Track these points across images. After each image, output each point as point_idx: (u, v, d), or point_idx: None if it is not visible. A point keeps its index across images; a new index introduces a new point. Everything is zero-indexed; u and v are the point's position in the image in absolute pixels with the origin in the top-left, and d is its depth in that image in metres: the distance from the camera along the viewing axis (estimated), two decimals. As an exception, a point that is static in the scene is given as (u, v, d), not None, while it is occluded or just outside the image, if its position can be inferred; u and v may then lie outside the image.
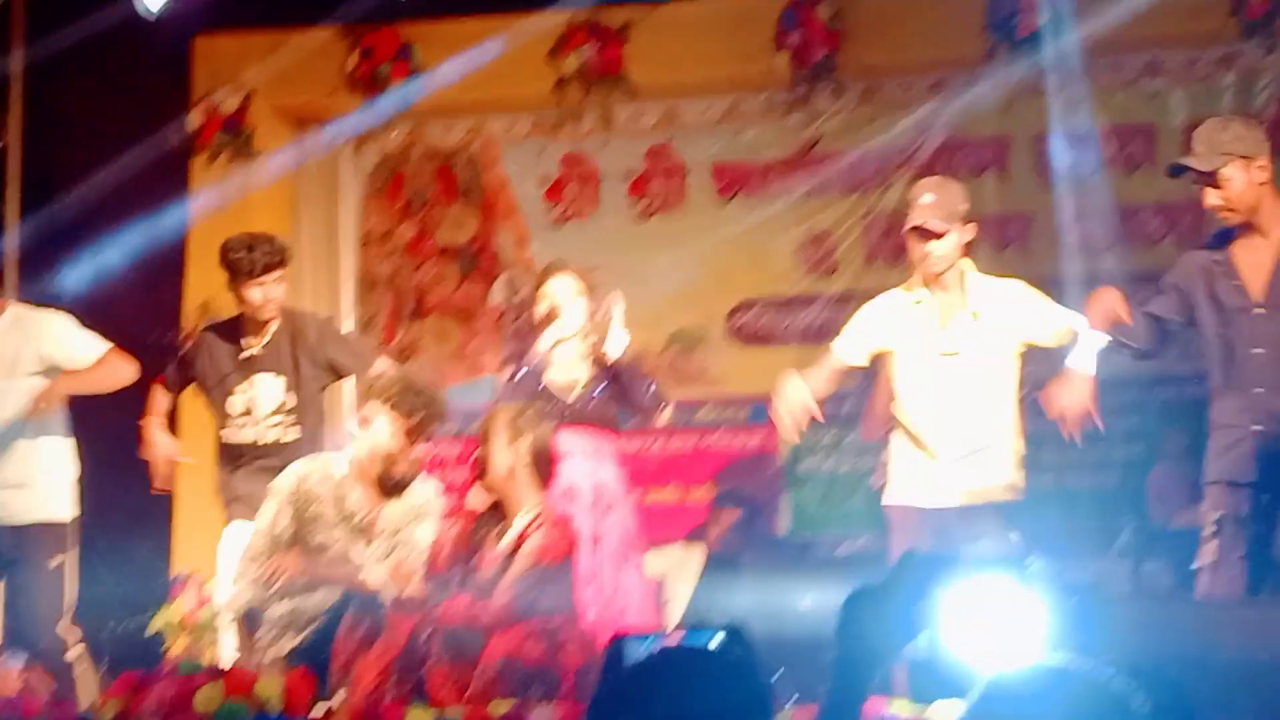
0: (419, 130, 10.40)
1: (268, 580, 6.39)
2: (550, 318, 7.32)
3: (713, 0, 9.54)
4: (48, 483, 7.31)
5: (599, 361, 7.34)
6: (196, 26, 9.94)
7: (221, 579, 7.53)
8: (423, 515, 6.63)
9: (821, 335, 9.63)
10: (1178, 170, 6.52)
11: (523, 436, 6.43)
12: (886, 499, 6.88)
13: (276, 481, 6.69)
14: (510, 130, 10.31)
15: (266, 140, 10.23)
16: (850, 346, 6.94)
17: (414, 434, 6.51)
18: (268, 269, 7.46)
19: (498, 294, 10.24)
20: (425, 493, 6.73)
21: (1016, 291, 6.83)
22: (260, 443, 7.50)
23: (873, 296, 7.05)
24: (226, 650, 7.20)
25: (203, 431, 8.00)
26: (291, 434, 7.49)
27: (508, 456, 6.42)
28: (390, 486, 6.58)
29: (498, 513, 6.53)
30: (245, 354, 7.57)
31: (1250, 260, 6.42)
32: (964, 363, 6.70)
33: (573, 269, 7.48)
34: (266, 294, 7.50)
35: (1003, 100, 9.59)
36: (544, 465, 6.48)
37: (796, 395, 6.77)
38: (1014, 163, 9.67)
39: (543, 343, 7.28)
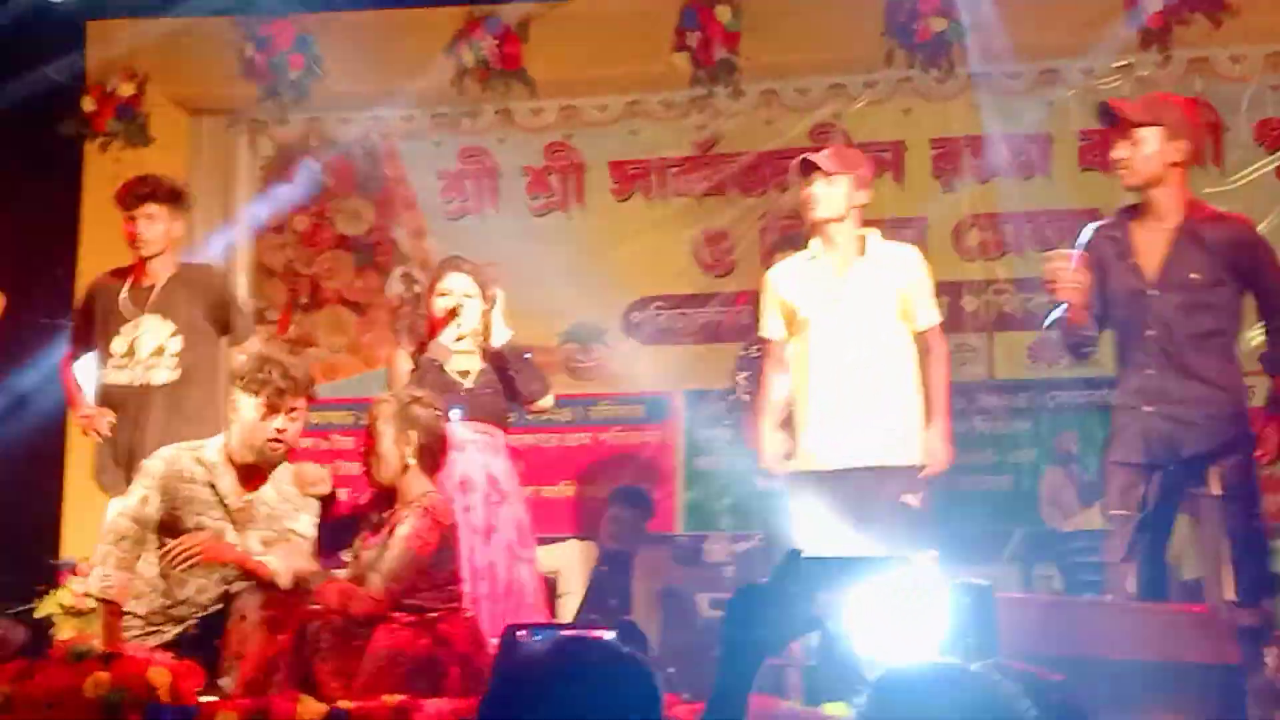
0: (316, 121, 10.33)
1: (177, 559, 6.27)
2: (453, 314, 7.30)
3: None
4: None
5: (485, 353, 7.35)
6: (91, 11, 9.85)
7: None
8: (303, 505, 6.56)
9: (718, 334, 9.69)
10: (1108, 112, 6.57)
11: (411, 428, 6.37)
12: (790, 465, 6.89)
13: (146, 462, 6.58)
14: (409, 123, 10.26)
15: (161, 127, 10.13)
16: (772, 323, 6.99)
17: (272, 407, 6.40)
18: (146, 199, 7.46)
19: (394, 286, 10.20)
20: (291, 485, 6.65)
21: (912, 262, 6.94)
22: (136, 384, 7.45)
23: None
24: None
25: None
26: (170, 375, 7.44)
27: (395, 450, 6.36)
28: (253, 468, 6.47)
29: (384, 501, 6.49)
30: (131, 295, 7.54)
31: (1146, 240, 6.48)
32: (859, 318, 6.73)
33: (467, 266, 7.46)
34: (148, 228, 7.49)
35: (900, 104, 9.64)
36: (431, 456, 6.42)
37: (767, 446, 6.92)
38: (910, 166, 9.70)
39: (445, 336, 7.26)
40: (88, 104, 10.03)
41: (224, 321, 7.64)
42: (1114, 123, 6.53)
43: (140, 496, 6.46)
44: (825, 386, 6.78)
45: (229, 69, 10.07)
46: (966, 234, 9.54)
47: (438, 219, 10.26)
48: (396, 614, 6.07)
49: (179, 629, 6.40)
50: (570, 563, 9.08)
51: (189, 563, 6.25)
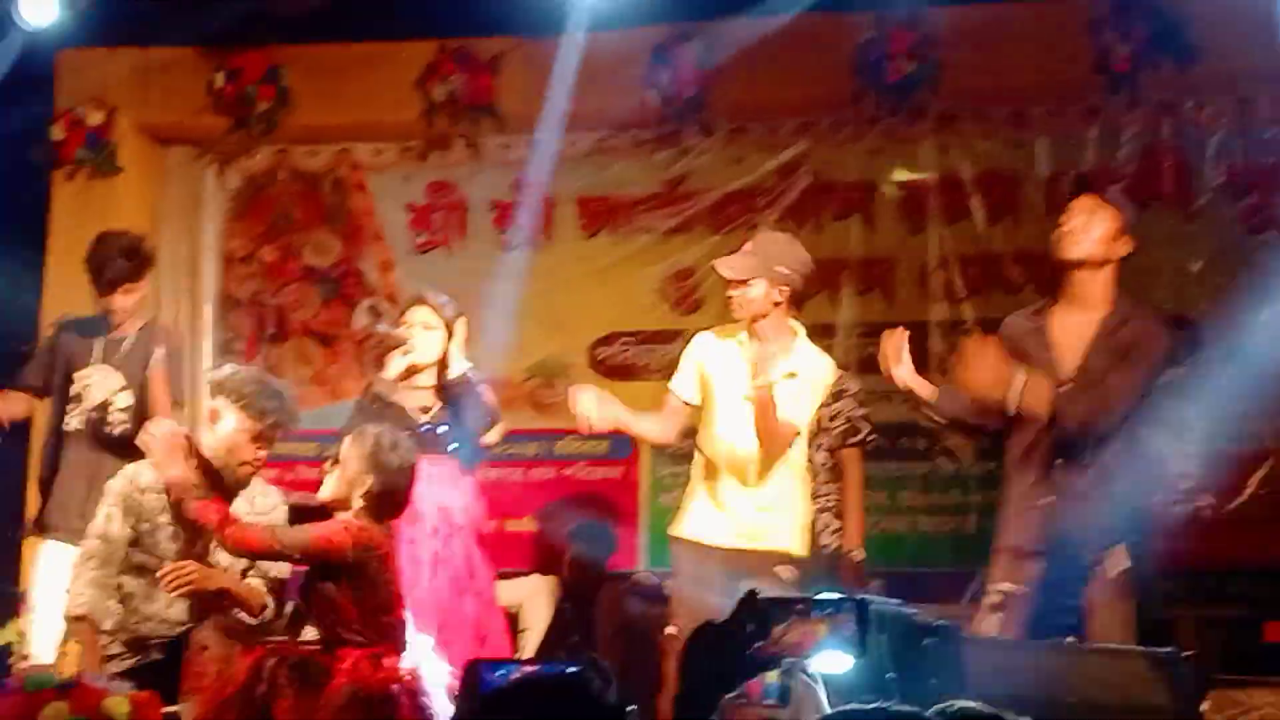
0: (285, 153, 10.34)
1: (171, 585, 6.24)
2: (404, 344, 7.31)
3: (583, 35, 9.51)
4: None
5: (440, 388, 7.35)
6: (62, 40, 9.83)
7: (38, 597, 7.46)
8: (276, 520, 6.54)
9: (683, 371, 9.68)
10: (1084, 182, 6.64)
11: (372, 473, 6.23)
12: (674, 529, 7.04)
13: (110, 483, 6.56)
14: (377, 156, 10.27)
15: (130, 157, 10.13)
16: (685, 382, 7.25)
17: (262, 436, 6.38)
18: (119, 283, 7.46)
19: (360, 319, 10.19)
20: (271, 499, 6.63)
21: (824, 374, 7.18)
22: (79, 429, 7.44)
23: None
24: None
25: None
26: (121, 430, 7.43)
27: (344, 487, 6.23)
28: (227, 486, 6.45)
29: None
30: (96, 350, 7.54)
31: (1067, 332, 6.50)
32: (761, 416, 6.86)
33: (430, 300, 7.47)
34: (123, 302, 7.49)
35: (869, 144, 9.67)
36: (379, 506, 6.28)
37: (587, 405, 7.18)
38: (878, 207, 9.73)
39: (390, 369, 7.26)
40: (56, 132, 10.01)
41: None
42: (1080, 191, 6.58)
43: (105, 514, 6.45)
44: (720, 467, 7.04)
45: (199, 99, 10.07)
46: (933, 275, 9.56)
47: (405, 252, 10.25)
48: (340, 650, 6.01)
49: (138, 657, 6.37)
50: (532, 597, 9.06)
51: (183, 590, 6.24)
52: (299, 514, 6.64)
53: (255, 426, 6.36)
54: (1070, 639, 7.21)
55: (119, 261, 7.53)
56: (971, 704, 3.33)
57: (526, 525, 9.80)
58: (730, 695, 3.40)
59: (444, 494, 7.23)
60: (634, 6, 9.30)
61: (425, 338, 7.33)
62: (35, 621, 7.56)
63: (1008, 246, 9.50)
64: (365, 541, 6.08)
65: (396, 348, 7.30)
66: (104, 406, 7.52)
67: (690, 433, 7.52)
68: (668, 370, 9.71)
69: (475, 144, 10.07)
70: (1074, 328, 6.52)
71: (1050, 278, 6.85)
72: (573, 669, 4.24)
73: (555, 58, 9.52)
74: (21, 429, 8.48)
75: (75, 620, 6.50)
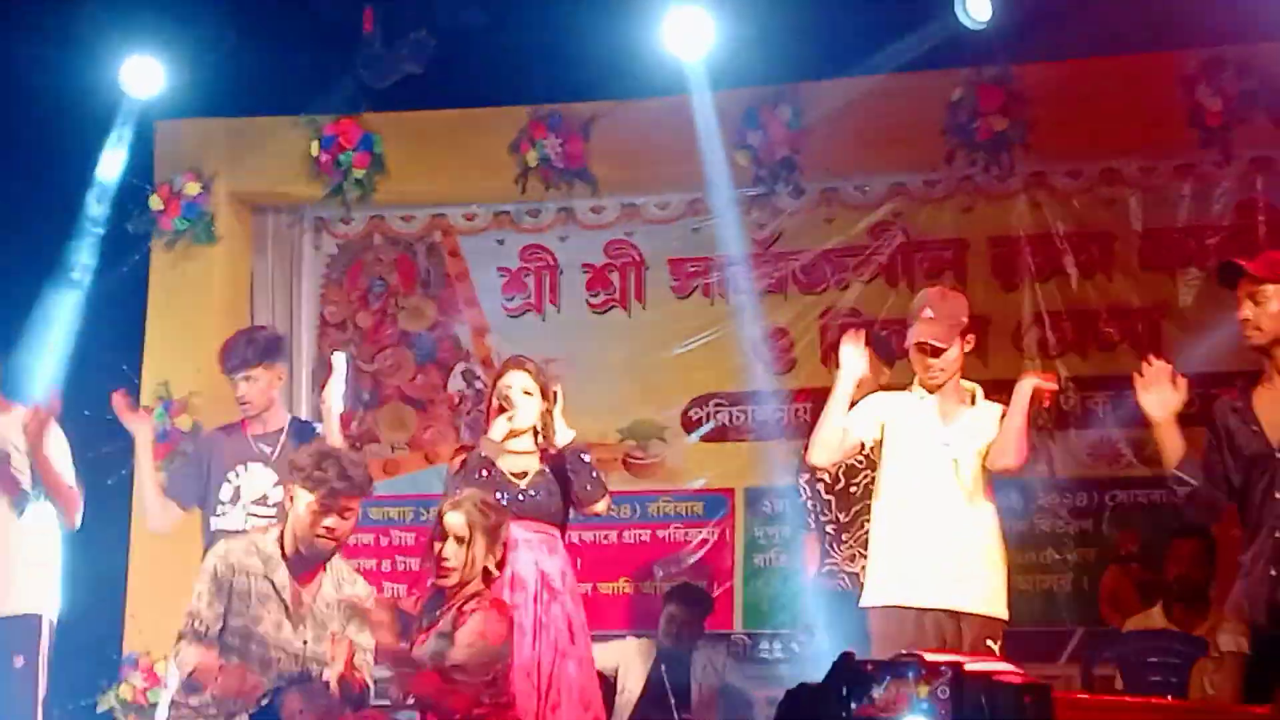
0: (380, 219, 10.43)
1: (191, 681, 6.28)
2: (501, 410, 7.33)
3: (675, 98, 9.57)
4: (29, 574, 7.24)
5: (545, 454, 7.36)
6: (160, 110, 9.97)
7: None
8: (363, 615, 6.56)
9: (776, 432, 9.69)
10: (1229, 269, 6.45)
11: (499, 542, 6.44)
12: (872, 599, 6.80)
13: (205, 561, 6.58)
14: (471, 221, 10.35)
15: (226, 225, 10.23)
16: (860, 422, 6.84)
17: (325, 507, 6.39)
18: (242, 366, 7.52)
19: (455, 383, 10.25)
20: (361, 590, 6.65)
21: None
22: (239, 529, 7.46)
23: (827, 393, 7.01)
24: None
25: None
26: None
27: (483, 559, 6.42)
28: (305, 563, 6.48)
29: (439, 600, 6.51)
30: (242, 444, 7.61)
31: (1271, 403, 6.37)
32: (958, 466, 6.67)
33: (529, 365, 7.48)
34: (249, 390, 7.55)
35: (961, 203, 9.66)
36: (497, 555, 6.49)
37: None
38: (971, 265, 9.71)
39: (495, 431, 7.28)
40: (155, 202, 10.13)
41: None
42: (1234, 280, 6.41)
43: (198, 594, 6.47)
44: (908, 519, 6.71)
45: (294, 167, 10.17)
46: (1027, 332, 9.52)
47: (499, 316, 10.30)
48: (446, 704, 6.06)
49: None
50: (628, 659, 9.05)
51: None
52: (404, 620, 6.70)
53: (314, 498, 6.38)
54: (1170, 696, 7.17)
55: (234, 351, 7.61)
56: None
57: (621, 587, 9.80)
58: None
59: (543, 559, 7.23)
60: (725, 69, 9.35)
61: (525, 402, 7.35)
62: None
63: (1102, 302, 9.46)
64: (509, 614, 6.27)
65: (501, 412, 7.31)
66: (262, 501, 7.58)
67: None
68: (760, 431, 9.76)
69: (568, 207, 10.14)
70: (1277, 401, 6.38)
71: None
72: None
73: (648, 121, 9.58)
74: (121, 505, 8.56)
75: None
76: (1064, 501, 9.39)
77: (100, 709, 9.03)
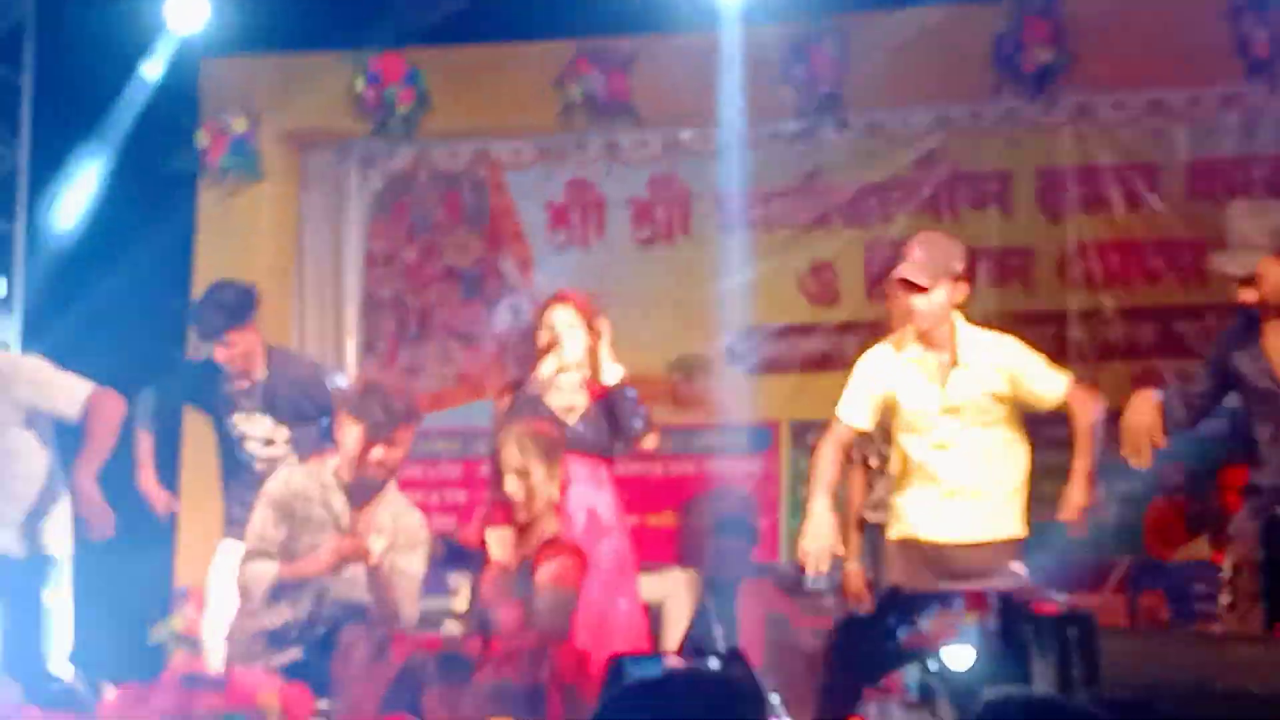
0: (425, 154, 10.44)
1: (332, 562, 6.38)
2: (551, 346, 7.35)
3: (718, 32, 9.56)
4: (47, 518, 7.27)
5: (593, 389, 7.38)
6: (206, 49, 9.99)
7: (212, 595, 7.59)
8: (413, 544, 6.63)
9: (823, 364, 9.70)
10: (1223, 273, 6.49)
11: (558, 464, 6.51)
12: (891, 533, 6.85)
13: (266, 486, 6.69)
14: (516, 156, 10.36)
15: (273, 163, 10.27)
16: (855, 410, 6.82)
17: (375, 438, 6.48)
18: (219, 332, 7.51)
19: (501, 318, 10.27)
20: (413, 520, 6.72)
21: (1010, 349, 6.76)
22: (254, 458, 7.54)
23: (874, 327, 7.03)
24: (217, 658, 7.22)
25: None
26: (287, 456, 7.53)
27: (547, 487, 6.49)
28: (361, 493, 6.56)
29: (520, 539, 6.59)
30: (233, 392, 7.63)
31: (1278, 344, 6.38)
32: (963, 417, 6.68)
33: (573, 300, 7.50)
34: (225, 355, 7.54)
35: (1006, 135, 9.64)
36: (557, 479, 6.56)
37: (820, 538, 6.64)
38: (1016, 197, 9.69)
39: (544, 369, 7.31)
40: (201, 140, 10.17)
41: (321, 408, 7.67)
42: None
43: (262, 517, 6.57)
44: (926, 474, 6.74)
45: (340, 104, 10.19)
46: (1072, 264, 9.51)
47: (544, 250, 10.32)
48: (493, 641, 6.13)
49: (293, 651, 6.48)
50: (675, 591, 9.09)
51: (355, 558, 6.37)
52: (453, 551, 6.77)
53: (360, 429, 6.47)
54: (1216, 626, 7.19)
55: (205, 318, 7.58)
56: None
57: (667, 520, 9.84)
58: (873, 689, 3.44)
59: (591, 495, 7.27)
60: (769, 3, 9.33)
61: (571, 337, 7.37)
62: (209, 616, 7.69)
63: (1148, 234, 9.44)
64: (583, 554, 6.34)
65: (550, 348, 7.33)
66: (270, 442, 7.62)
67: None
68: (805, 363, 9.77)
69: (612, 142, 10.14)
70: None
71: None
72: (715, 662, 4.29)
73: (691, 55, 9.57)
74: (172, 440, 8.61)
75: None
76: (1109, 432, 9.37)
77: (152, 641, 9.11)
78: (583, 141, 10.19)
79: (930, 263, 6.64)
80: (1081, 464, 6.71)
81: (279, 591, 6.49)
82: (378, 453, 6.48)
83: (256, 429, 7.61)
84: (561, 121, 9.98)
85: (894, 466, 6.91)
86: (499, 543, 6.59)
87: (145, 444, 7.74)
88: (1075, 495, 6.68)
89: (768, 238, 10.01)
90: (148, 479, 7.68)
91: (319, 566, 6.42)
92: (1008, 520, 6.72)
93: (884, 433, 7.56)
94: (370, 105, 10.12)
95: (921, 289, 6.59)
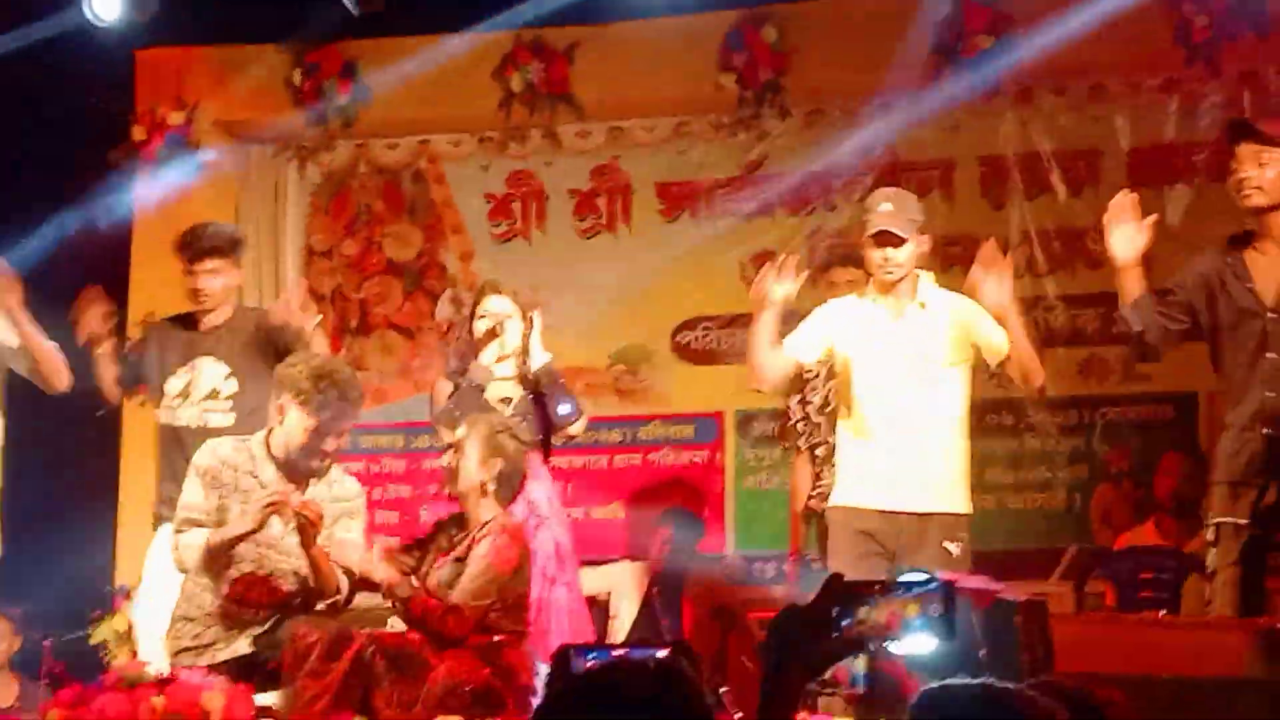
0: (364, 146, 10.39)
1: (261, 519, 6.28)
2: (492, 335, 7.31)
3: (659, 21, 9.54)
4: None
5: (523, 378, 7.36)
6: (140, 40, 9.91)
7: (148, 582, 7.51)
8: (351, 513, 6.56)
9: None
10: (1240, 126, 6.50)
11: (497, 455, 6.43)
12: (831, 500, 6.85)
13: (194, 457, 6.60)
14: (456, 147, 10.31)
15: (210, 155, 10.19)
16: (802, 342, 6.88)
17: (321, 432, 6.38)
18: (206, 255, 7.45)
19: (443, 310, 10.23)
20: (351, 488, 6.65)
21: (965, 301, 6.78)
22: (193, 425, 7.44)
23: (817, 316, 7.01)
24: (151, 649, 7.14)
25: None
26: (225, 420, 7.43)
27: (479, 473, 6.42)
28: (297, 473, 6.48)
29: (456, 524, 6.54)
30: (190, 340, 7.55)
31: (1265, 266, 6.41)
32: (914, 360, 6.68)
33: (506, 288, 7.48)
34: (209, 283, 7.47)
35: (948, 122, 9.63)
36: (509, 486, 6.50)
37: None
38: (959, 184, 9.69)
39: (485, 357, 7.27)
40: (138, 133, 10.09)
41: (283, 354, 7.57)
42: (1240, 139, 6.43)
43: (190, 486, 6.49)
44: (872, 428, 6.72)
45: (277, 96, 10.13)
46: (1014, 251, 9.50)
47: (485, 242, 10.28)
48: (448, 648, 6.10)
49: (230, 649, 6.40)
50: (621, 584, 9.07)
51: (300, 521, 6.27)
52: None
53: (313, 422, 6.36)
54: (1162, 613, 7.20)
55: (201, 238, 7.54)
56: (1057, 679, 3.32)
57: (613, 512, 9.81)
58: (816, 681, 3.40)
59: (530, 486, 7.24)
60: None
61: (511, 326, 7.34)
62: (144, 610, 7.62)
63: (1090, 220, 9.43)
64: (524, 541, 6.30)
65: (492, 337, 7.30)
66: (214, 395, 7.53)
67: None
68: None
69: (553, 132, 10.10)
70: (1272, 261, 6.40)
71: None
72: (662, 653, 4.25)
73: (631, 44, 9.54)
74: (111, 435, 8.54)
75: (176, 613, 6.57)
76: (1054, 419, 9.39)
77: (93, 640, 9.04)
78: (523, 133, 10.14)
79: (903, 215, 6.71)
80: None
81: (211, 560, 6.39)
82: (328, 445, 6.41)
83: (202, 381, 7.50)
84: (501, 113, 9.94)
85: (840, 430, 6.88)
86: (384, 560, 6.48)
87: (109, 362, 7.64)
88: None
89: (710, 227, 9.98)
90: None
91: (247, 526, 6.29)
92: (953, 495, 6.70)
93: (829, 419, 7.55)
94: (308, 97, 10.08)
95: (900, 240, 6.61)
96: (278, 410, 6.51)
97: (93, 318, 7.23)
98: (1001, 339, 6.69)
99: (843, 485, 6.81)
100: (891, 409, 6.70)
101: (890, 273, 6.70)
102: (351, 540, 6.42)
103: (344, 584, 6.42)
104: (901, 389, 6.69)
